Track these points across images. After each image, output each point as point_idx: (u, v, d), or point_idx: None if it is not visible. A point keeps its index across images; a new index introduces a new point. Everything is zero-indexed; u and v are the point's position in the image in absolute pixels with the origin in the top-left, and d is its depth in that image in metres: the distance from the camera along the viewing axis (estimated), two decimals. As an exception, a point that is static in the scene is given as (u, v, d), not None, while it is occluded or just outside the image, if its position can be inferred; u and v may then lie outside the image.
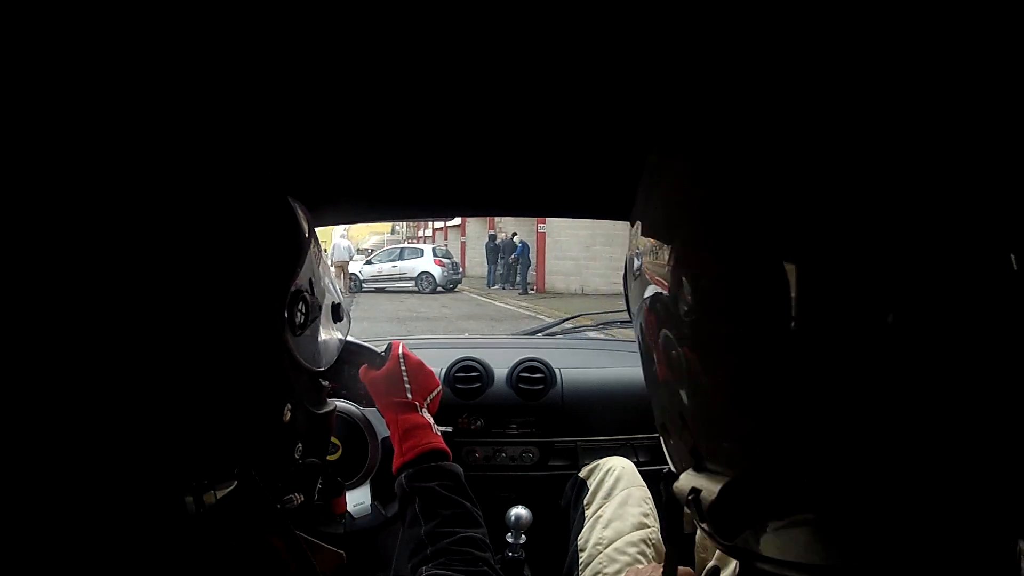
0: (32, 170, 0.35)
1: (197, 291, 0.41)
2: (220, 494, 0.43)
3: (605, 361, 1.37)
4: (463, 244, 18.17)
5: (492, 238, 13.77)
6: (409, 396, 0.77)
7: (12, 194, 0.35)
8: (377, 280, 13.01)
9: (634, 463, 1.19)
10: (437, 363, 1.20)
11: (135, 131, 0.42)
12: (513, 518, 0.99)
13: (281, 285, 0.46)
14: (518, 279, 12.80)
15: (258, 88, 0.56)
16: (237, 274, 0.43)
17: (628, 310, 0.45)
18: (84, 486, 0.37)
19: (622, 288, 0.48)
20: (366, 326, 7.39)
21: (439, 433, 0.76)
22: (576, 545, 0.93)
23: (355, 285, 12.65)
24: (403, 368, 0.79)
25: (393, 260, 13.61)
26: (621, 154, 0.73)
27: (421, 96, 0.59)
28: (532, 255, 12.91)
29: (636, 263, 0.39)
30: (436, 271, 13.00)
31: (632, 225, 0.40)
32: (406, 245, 15.01)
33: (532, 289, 12.59)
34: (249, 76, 0.53)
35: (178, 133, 0.45)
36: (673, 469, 0.40)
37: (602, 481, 1.00)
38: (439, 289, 12.88)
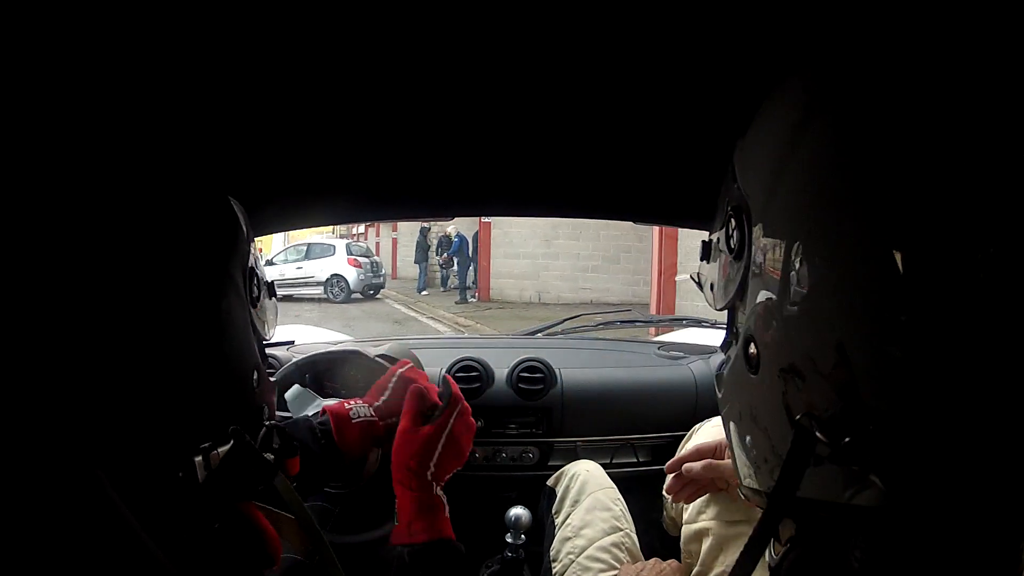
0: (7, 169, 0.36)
1: (190, 270, 0.47)
2: (223, 452, 0.48)
3: (605, 361, 1.37)
4: (395, 241, 15.50)
5: (424, 231, 11.19)
6: (431, 473, 0.66)
7: None
8: (280, 285, 8.82)
9: (634, 463, 1.19)
10: (437, 363, 1.20)
11: (113, 132, 0.44)
12: (513, 518, 0.99)
13: (245, 262, 0.53)
14: (455, 283, 10.29)
15: (245, 86, 0.56)
16: (219, 255, 0.51)
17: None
18: (95, 455, 0.39)
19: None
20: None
21: (447, 516, 0.67)
22: (548, 557, 0.91)
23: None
24: (443, 441, 0.67)
25: (299, 260, 10.77)
26: (608, 148, 0.73)
27: (399, 91, 0.58)
28: (481, 253, 9.94)
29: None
30: (350, 273, 10.35)
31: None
32: (314, 241, 11.37)
33: (474, 296, 9.90)
34: (239, 74, 0.53)
35: (150, 134, 0.47)
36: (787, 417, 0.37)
37: (568, 487, 0.99)
38: (355, 296, 10.23)
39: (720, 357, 1.27)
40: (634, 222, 1.04)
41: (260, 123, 0.63)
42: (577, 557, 0.86)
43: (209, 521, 0.48)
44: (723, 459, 0.71)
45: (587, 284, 9.05)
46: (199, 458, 0.46)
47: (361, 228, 17.96)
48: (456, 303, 9.49)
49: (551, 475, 1.06)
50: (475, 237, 10.08)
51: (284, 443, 0.58)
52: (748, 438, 0.41)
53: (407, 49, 0.51)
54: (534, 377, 1.19)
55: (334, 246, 10.98)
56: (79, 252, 0.39)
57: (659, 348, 1.43)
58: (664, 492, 0.78)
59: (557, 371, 1.22)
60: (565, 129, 0.69)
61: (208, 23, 0.45)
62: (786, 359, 0.35)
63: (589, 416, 1.19)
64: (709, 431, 0.86)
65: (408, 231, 13.68)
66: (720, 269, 0.44)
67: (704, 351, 1.38)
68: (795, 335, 0.34)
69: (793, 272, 0.34)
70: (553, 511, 0.98)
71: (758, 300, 0.37)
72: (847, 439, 0.31)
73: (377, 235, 17.01)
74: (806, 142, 0.35)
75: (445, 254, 10.49)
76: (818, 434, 0.32)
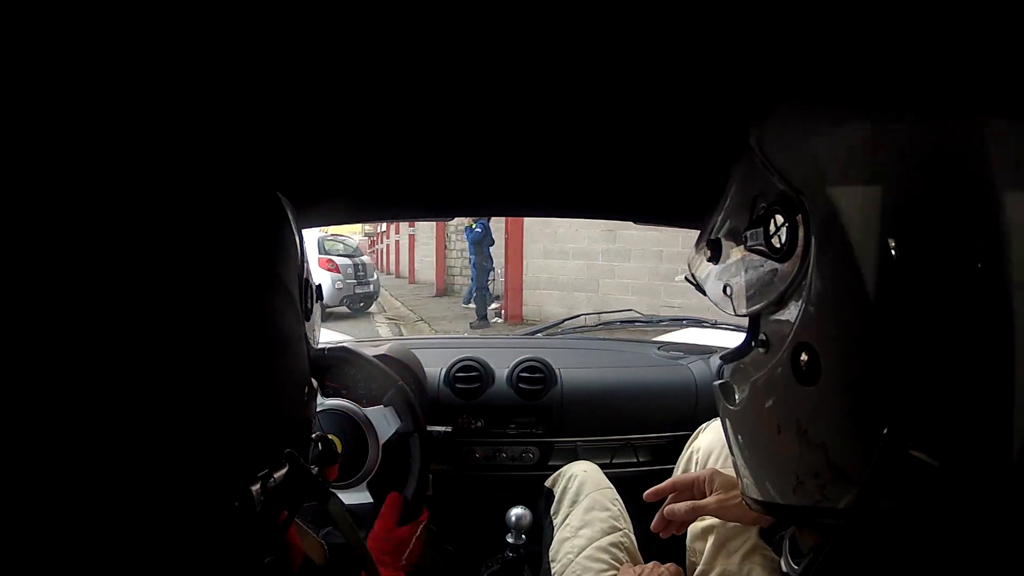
0: (20, 169, 0.35)
1: (250, 286, 0.43)
2: (278, 477, 0.44)
3: (605, 361, 1.37)
4: (411, 238, 12.36)
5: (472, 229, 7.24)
6: (402, 564, 0.79)
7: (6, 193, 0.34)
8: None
9: (634, 463, 1.19)
10: (437, 363, 1.20)
11: (145, 135, 0.42)
12: (513, 518, 0.99)
13: (300, 271, 0.49)
14: (472, 296, 7.14)
15: (257, 86, 0.56)
16: (278, 267, 0.46)
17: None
18: (155, 489, 0.36)
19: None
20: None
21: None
22: (547, 558, 0.91)
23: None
24: (412, 543, 0.81)
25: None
26: (609, 148, 0.73)
27: (412, 91, 0.58)
28: (499, 250, 6.96)
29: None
30: (324, 280, 7.11)
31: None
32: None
33: (498, 315, 6.89)
34: (247, 74, 0.53)
35: (178, 135, 0.45)
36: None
37: (566, 488, 0.98)
38: (335, 309, 7.60)
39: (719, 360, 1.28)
40: (634, 222, 1.04)
41: (260, 123, 0.63)
42: (576, 557, 0.86)
43: (262, 553, 0.45)
44: (704, 496, 0.70)
45: (674, 298, 5.31)
46: (256, 486, 0.42)
47: (383, 226, 15.56)
48: (471, 326, 6.50)
49: (551, 475, 1.06)
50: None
51: (324, 450, 0.59)
52: (787, 452, 0.37)
53: (409, 48, 0.51)
54: (534, 377, 1.19)
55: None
56: (130, 269, 0.35)
57: (659, 348, 1.43)
58: (652, 528, 0.76)
59: (557, 371, 1.22)
60: (566, 129, 0.69)
61: (215, 24, 0.45)
62: (864, 370, 0.32)
63: (589, 416, 1.19)
64: (708, 437, 0.87)
65: (427, 226, 10.56)
66: (747, 271, 0.39)
67: (704, 351, 1.38)
68: (887, 346, 0.31)
69: (885, 277, 0.31)
70: (551, 512, 0.98)
71: (821, 305, 0.34)
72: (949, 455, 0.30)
73: (397, 232, 14.09)
74: (895, 133, 0.33)
75: (469, 240, 7.27)
76: (918, 453, 0.30)
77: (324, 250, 7.87)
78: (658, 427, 1.18)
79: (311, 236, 7.13)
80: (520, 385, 1.19)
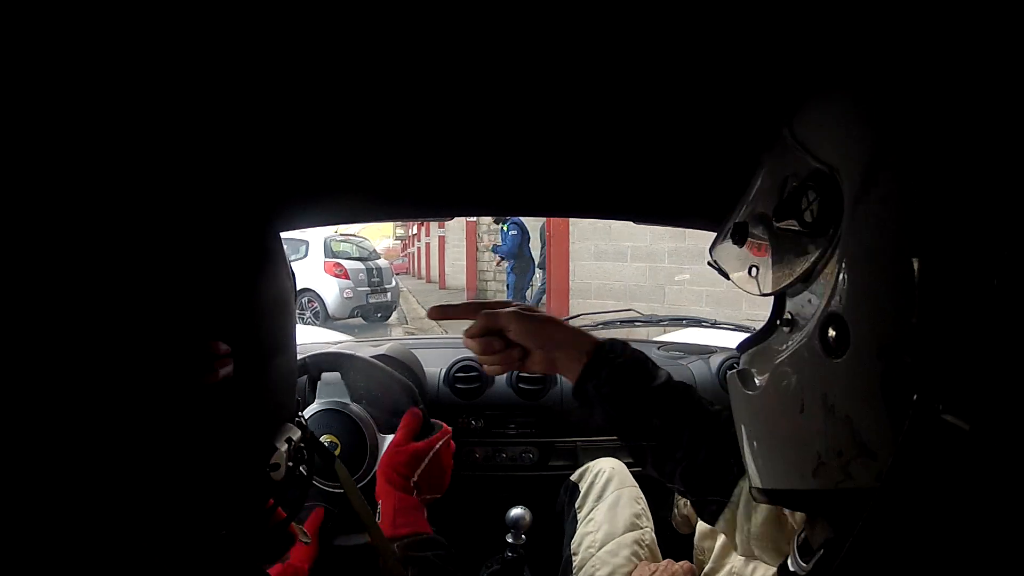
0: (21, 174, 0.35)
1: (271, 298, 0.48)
2: (296, 439, 0.51)
3: (605, 361, 1.37)
4: (442, 240, 11.51)
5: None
6: (414, 481, 0.75)
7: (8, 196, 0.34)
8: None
9: (634, 463, 1.19)
10: (437, 363, 1.20)
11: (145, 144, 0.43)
12: (513, 518, 0.99)
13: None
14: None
15: (257, 89, 0.56)
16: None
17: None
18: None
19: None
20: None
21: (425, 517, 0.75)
22: (569, 550, 0.93)
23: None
24: (429, 457, 0.76)
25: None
26: (611, 148, 0.73)
27: (412, 89, 0.58)
28: (536, 251, 6.22)
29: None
30: (330, 288, 6.53)
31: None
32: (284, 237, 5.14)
33: None
34: (245, 75, 0.53)
35: (177, 136, 0.46)
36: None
37: (593, 483, 1.00)
38: (346, 321, 6.55)
39: (720, 357, 1.28)
40: (635, 222, 1.04)
41: (258, 123, 0.63)
42: (597, 552, 0.88)
43: (294, 511, 0.53)
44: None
45: (758, 310, 3.89)
46: (284, 448, 0.47)
47: (414, 229, 14.25)
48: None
49: (551, 475, 1.07)
50: (542, 229, 6.10)
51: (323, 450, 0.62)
52: (810, 430, 0.37)
53: (410, 48, 0.50)
54: (534, 377, 1.19)
55: (306, 243, 6.60)
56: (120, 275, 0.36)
57: (659, 348, 1.43)
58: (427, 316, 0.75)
59: None
60: (567, 129, 0.69)
61: (215, 24, 0.45)
62: (894, 338, 0.33)
63: (589, 416, 1.19)
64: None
65: (458, 226, 9.54)
66: (775, 248, 0.40)
67: (704, 351, 1.38)
68: (918, 311, 0.32)
69: (919, 242, 0.32)
70: (576, 505, 0.99)
71: (852, 275, 0.34)
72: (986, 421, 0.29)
73: (427, 234, 12.69)
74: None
75: (499, 255, 6.53)
76: (949, 417, 0.30)
77: (331, 252, 6.81)
78: None
79: (316, 237, 6.71)
80: (520, 385, 1.19)
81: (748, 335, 0.45)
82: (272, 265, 0.50)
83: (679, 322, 1.70)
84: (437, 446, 0.78)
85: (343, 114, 0.63)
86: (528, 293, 6.51)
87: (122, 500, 0.34)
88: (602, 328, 1.72)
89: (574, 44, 0.50)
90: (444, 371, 1.20)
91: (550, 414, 1.18)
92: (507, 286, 6.47)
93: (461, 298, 8.98)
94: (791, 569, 0.42)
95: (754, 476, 0.42)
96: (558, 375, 1.20)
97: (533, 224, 6.24)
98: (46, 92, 0.38)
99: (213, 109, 0.57)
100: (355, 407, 0.91)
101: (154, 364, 0.36)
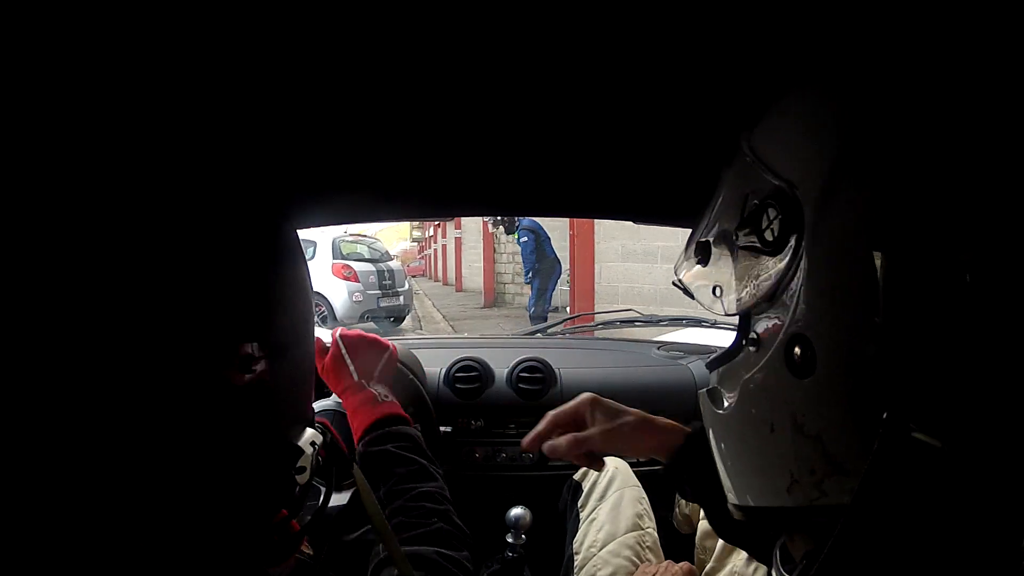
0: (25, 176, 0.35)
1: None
2: (318, 441, 0.51)
3: (605, 361, 1.37)
4: (458, 241, 11.26)
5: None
6: (355, 377, 0.77)
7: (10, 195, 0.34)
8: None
9: (635, 462, 1.19)
10: (437, 363, 1.20)
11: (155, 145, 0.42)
12: (513, 518, 0.99)
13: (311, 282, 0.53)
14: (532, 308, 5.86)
15: (259, 88, 0.56)
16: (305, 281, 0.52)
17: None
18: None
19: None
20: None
21: (390, 400, 0.76)
22: (571, 549, 0.93)
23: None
24: (343, 351, 0.79)
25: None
26: (610, 148, 0.73)
27: (414, 88, 0.58)
28: (550, 246, 5.80)
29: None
30: (338, 292, 6.27)
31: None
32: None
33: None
34: (246, 74, 0.53)
35: (178, 136, 0.46)
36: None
37: (595, 483, 1.00)
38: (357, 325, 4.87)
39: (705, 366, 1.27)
40: (634, 222, 1.04)
41: (259, 123, 0.63)
42: (599, 551, 0.88)
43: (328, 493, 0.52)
44: (587, 427, 0.64)
45: None
46: (310, 450, 0.47)
47: (431, 231, 13.61)
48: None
49: (550, 475, 1.07)
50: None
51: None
52: (781, 450, 0.36)
53: (410, 48, 0.50)
54: (534, 377, 1.19)
55: (314, 244, 6.27)
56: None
57: (659, 348, 1.43)
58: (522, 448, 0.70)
59: (557, 371, 1.22)
60: (567, 129, 0.69)
61: (215, 23, 0.45)
62: (861, 357, 0.32)
63: None
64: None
65: (475, 227, 8.98)
66: (738, 269, 0.39)
67: (704, 351, 1.38)
68: (884, 330, 0.31)
69: (882, 259, 0.31)
70: (579, 504, 0.99)
71: (815, 294, 0.34)
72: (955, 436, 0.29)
73: (444, 235, 12.26)
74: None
75: (527, 278, 6.00)
76: (920, 435, 0.30)
77: (340, 254, 6.51)
78: None
79: (324, 237, 6.52)
80: (520, 385, 1.19)
81: (720, 351, 0.44)
82: (291, 261, 0.49)
83: (679, 322, 1.70)
84: (336, 338, 0.80)
85: (351, 112, 0.63)
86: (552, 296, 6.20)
87: (144, 501, 0.34)
88: (602, 328, 1.72)
89: (574, 44, 0.50)
90: (444, 371, 1.20)
91: None
92: (531, 287, 6.07)
93: (478, 301, 8.67)
94: None
95: (730, 493, 0.42)
96: (558, 375, 1.21)
97: (551, 224, 5.98)
98: (65, 92, 0.38)
99: (225, 107, 0.57)
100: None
101: (179, 363, 0.36)
